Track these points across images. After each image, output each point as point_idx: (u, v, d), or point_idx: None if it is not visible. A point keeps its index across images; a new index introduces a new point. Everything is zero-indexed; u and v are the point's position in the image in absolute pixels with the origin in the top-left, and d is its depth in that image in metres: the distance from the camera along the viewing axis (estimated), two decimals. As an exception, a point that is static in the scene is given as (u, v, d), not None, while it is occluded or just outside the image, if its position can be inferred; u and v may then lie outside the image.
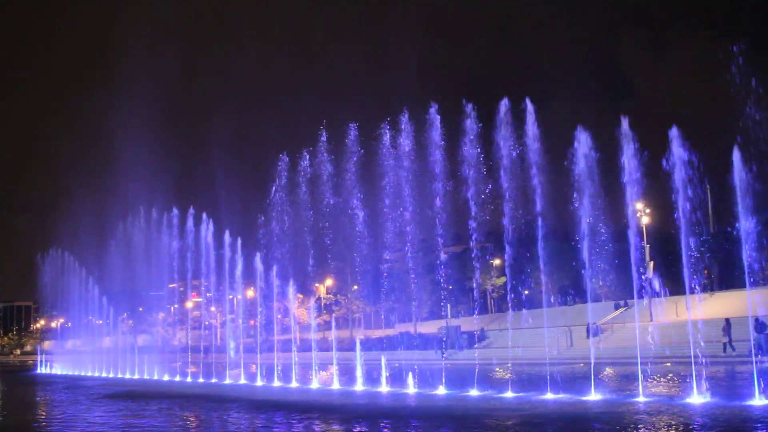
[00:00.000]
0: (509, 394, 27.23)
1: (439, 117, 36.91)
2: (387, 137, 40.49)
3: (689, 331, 42.21)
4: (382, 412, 23.92)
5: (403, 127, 39.11)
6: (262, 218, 52.35)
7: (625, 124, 26.77)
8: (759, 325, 41.69)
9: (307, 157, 46.68)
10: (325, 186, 47.23)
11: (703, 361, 26.23)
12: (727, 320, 44.07)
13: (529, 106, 31.10)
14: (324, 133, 45.56)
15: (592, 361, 27.80)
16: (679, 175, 26.12)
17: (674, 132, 25.36)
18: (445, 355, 58.26)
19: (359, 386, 33.95)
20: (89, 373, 71.78)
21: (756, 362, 25.41)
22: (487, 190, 36.01)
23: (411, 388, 31.34)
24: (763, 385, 22.21)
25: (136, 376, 60.22)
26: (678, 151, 25.79)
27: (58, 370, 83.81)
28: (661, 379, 31.15)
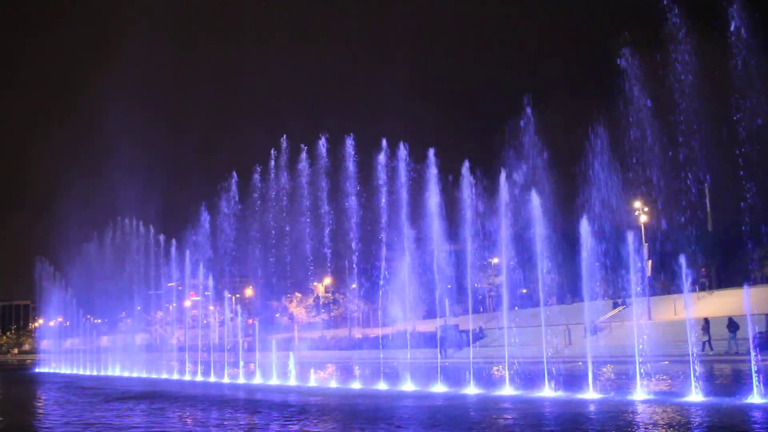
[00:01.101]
0: (507, 392, 27.24)
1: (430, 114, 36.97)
2: (383, 136, 40.58)
3: (687, 330, 42.38)
4: (380, 413, 23.90)
5: (398, 126, 39.16)
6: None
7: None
8: (732, 325, 41.90)
9: (304, 155, 46.72)
10: (321, 185, 47.24)
11: (701, 359, 26.32)
12: (706, 320, 44.38)
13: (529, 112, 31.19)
14: (319, 132, 45.64)
15: (590, 360, 27.81)
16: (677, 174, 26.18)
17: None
18: (444, 354, 58.28)
19: (357, 385, 33.97)
20: (87, 372, 71.82)
21: (732, 361, 25.56)
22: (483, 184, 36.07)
23: (409, 387, 31.36)
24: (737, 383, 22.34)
25: (135, 375, 60.24)
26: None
27: (57, 369, 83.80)
28: (659, 377, 31.16)
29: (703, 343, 43.29)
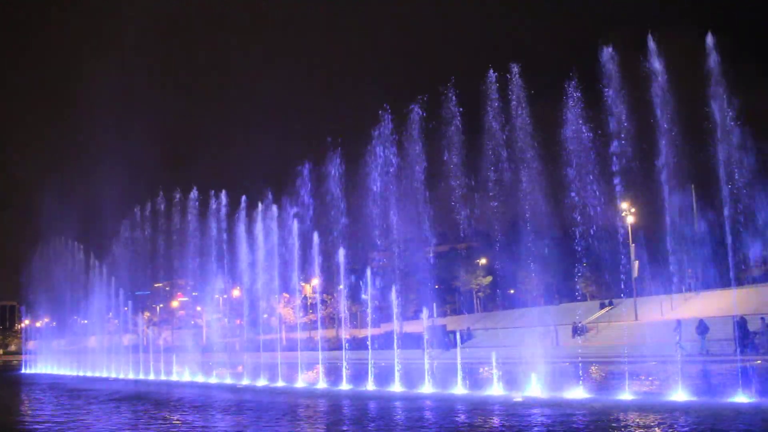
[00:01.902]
0: (494, 393, 27.24)
1: (419, 115, 37.04)
2: (374, 135, 40.52)
3: (673, 330, 42.62)
4: (367, 415, 23.86)
5: (389, 125, 39.17)
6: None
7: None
8: (702, 327, 42.17)
9: (294, 153, 46.52)
10: (312, 184, 47.07)
11: (686, 359, 26.48)
12: (678, 321, 44.86)
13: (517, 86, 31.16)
14: (311, 131, 45.46)
15: (578, 360, 27.90)
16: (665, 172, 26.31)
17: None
18: (430, 355, 58.13)
19: (345, 385, 33.91)
20: (73, 373, 71.45)
21: (702, 362, 25.81)
22: (473, 185, 36.12)
23: (396, 387, 31.33)
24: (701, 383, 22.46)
25: (121, 375, 59.93)
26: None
27: (43, 370, 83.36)
28: (645, 377, 31.25)
29: (676, 342, 43.89)
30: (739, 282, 67.14)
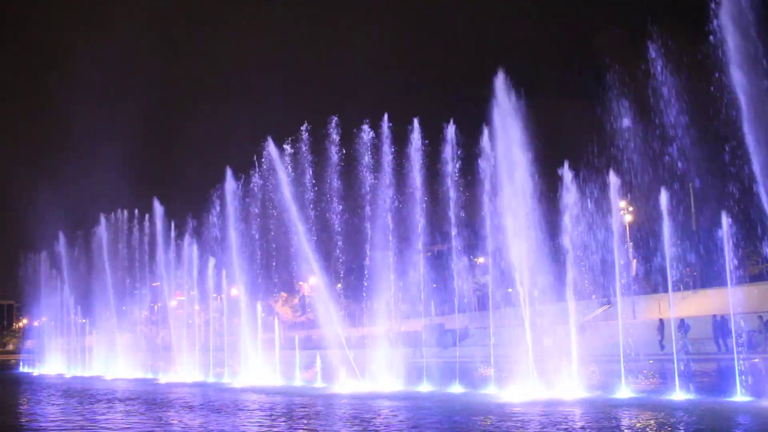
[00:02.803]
0: (492, 391, 27.24)
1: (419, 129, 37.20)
2: (368, 134, 40.50)
3: (672, 330, 42.63)
4: (364, 414, 23.83)
5: (384, 125, 39.18)
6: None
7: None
8: (683, 326, 42.31)
9: (289, 151, 46.35)
10: (307, 183, 46.95)
11: (684, 358, 26.59)
12: (661, 320, 45.06)
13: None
14: (305, 129, 45.23)
15: (575, 359, 27.94)
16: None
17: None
18: (420, 353, 58.17)
19: (342, 385, 33.90)
20: (71, 372, 71.38)
21: (679, 361, 26.00)
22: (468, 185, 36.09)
23: (395, 386, 31.33)
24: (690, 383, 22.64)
25: (120, 375, 59.81)
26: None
27: (41, 369, 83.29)
28: (643, 376, 31.26)
29: (659, 342, 44.16)
30: (739, 280, 67.05)
